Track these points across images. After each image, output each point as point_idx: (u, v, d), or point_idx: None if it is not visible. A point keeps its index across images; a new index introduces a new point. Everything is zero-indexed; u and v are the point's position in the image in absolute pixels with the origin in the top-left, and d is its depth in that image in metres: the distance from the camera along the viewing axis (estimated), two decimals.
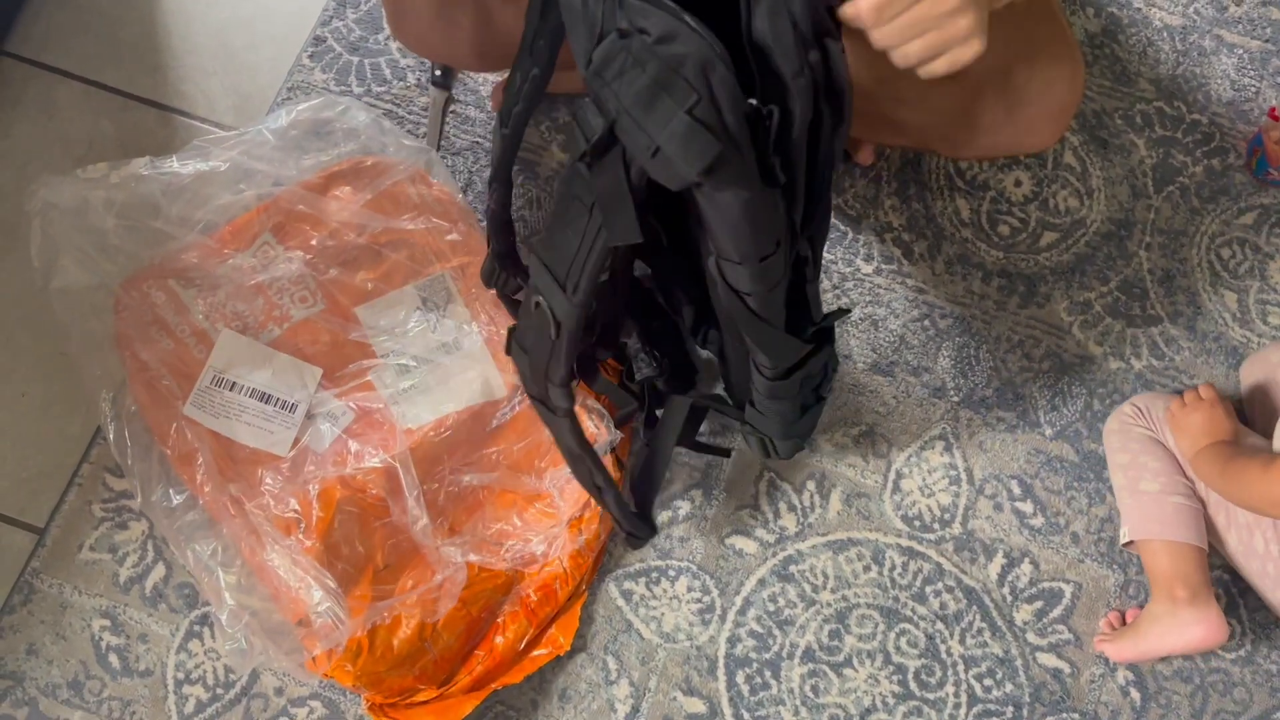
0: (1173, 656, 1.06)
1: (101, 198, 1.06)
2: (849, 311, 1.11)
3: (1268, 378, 1.08)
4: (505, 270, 0.94)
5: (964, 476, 1.13)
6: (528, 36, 0.81)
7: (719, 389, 1.14)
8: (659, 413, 1.10)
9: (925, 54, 0.73)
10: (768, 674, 1.08)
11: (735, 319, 0.82)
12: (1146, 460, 1.04)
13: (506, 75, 1.20)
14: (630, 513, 1.02)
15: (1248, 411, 1.11)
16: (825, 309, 0.90)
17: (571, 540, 1.05)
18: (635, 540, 1.06)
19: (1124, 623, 1.07)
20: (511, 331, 0.91)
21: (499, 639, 1.05)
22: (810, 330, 0.86)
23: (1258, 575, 1.01)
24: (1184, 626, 0.99)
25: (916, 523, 1.11)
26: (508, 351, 0.92)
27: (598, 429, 1.06)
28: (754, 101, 0.67)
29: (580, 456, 0.95)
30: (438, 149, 1.20)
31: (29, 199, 1.06)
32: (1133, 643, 1.03)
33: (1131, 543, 1.05)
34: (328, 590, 1.00)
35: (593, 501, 1.06)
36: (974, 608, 1.09)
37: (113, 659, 1.08)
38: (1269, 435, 1.08)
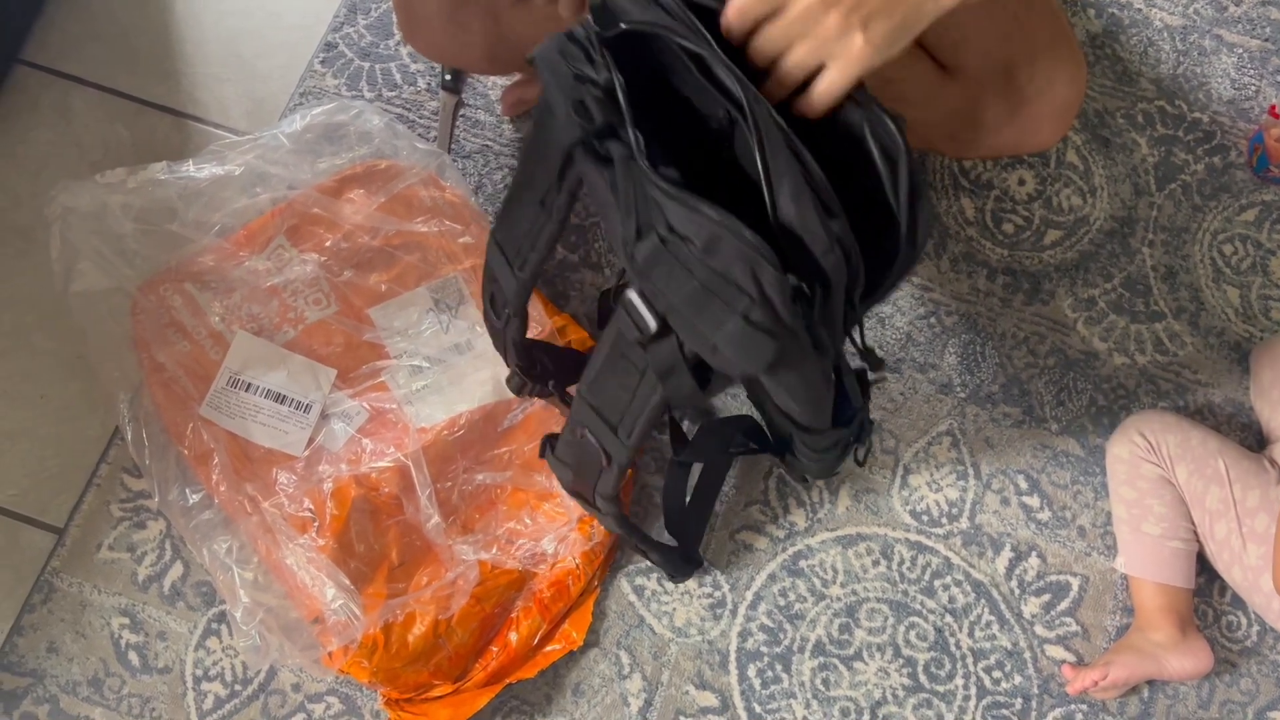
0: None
1: (120, 202, 1.08)
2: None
3: (1274, 370, 1.10)
4: (533, 380, 0.94)
5: (971, 471, 1.14)
6: (539, 188, 0.77)
7: (732, 390, 1.16)
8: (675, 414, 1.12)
9: (807, 60, 0.70)
10: (779, 667, 1.09)
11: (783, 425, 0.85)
12: (1152, 504, 1.05)
13: (517, 78, 1.22)
14: (675, 560, 1.05)
15: (1255, 402, 1.13)
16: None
17: (583, 541, 1.07)
18: (678, 579, 1.09)
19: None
20: (548, 443, 0.91)
21: (513, 634, 1.07)
22: (850, 413, 0.87)
23: (1262, 609, 1.04)
24: (1178, 658, 1.03)
25: (924, 517, 1.13)
26: (541, 455, 0.92)
27: None
28: (794, 279, 0.66)
29: (624, 536, 0.99)
30: (449, 152, 1.21)
31: (49, 204, 1.07)
32: (1123, 675, 1.03)
33: None
34: (342, 588, 1.02)
35: None
36: (982, 601, 1.10)
37: (132, 656, 1.10)
38: (1274, 426, 1.09)
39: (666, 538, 1.12)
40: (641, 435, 0.79)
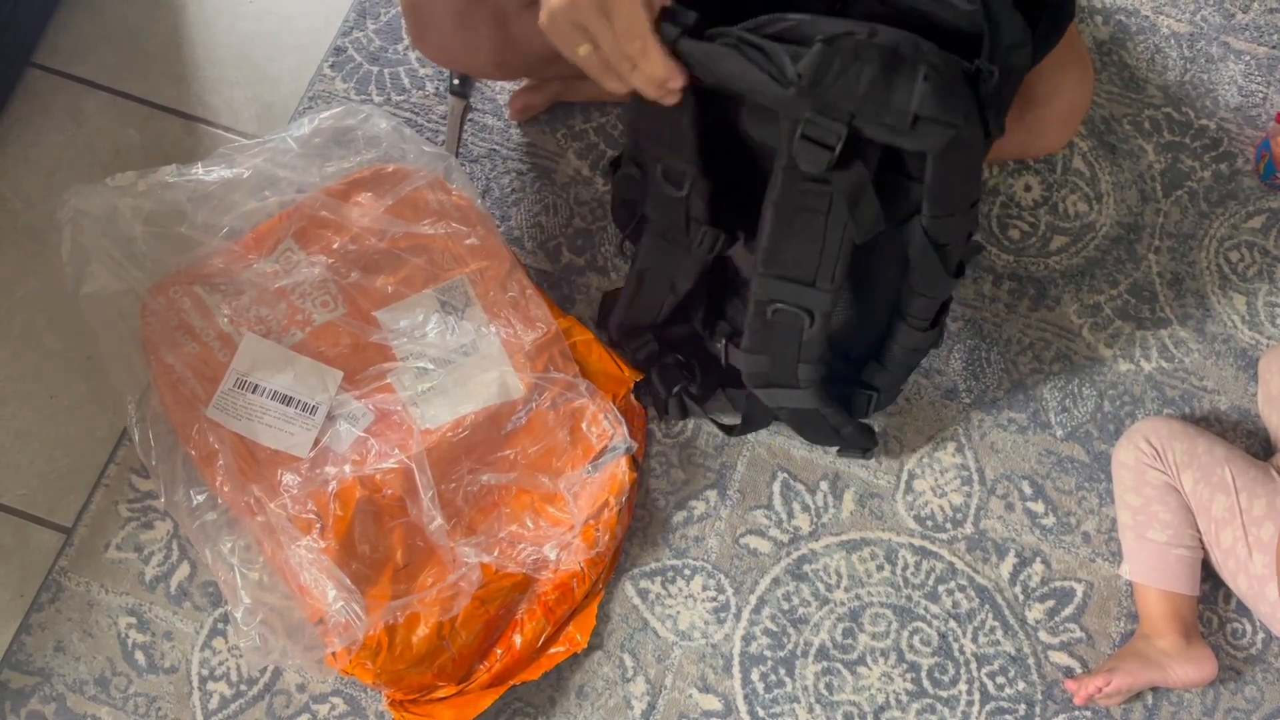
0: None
1: (130, 205, 1.08)
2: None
3: None
4: (724, 230, 0.97)
5: (976, 477, 1.14)
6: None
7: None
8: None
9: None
10: (782, 672, 1.09)
11: (924, 275, 0.89)
12: (1158, 510, 1.05)
13: (525, 84, 1.23)
14: (867, 431, 1.09)
15: (1263, 409, 1.12)
16: None
17: (586, 548, 1.07)
18: (869, 451, 1.11)
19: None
20: (728, 344, 0.99)
21: (517, 636, 1.07)
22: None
23: (1268, 617, 1.04)
24: (1181, 666, 1.03)
25: (929, 522, 1.13)
26: (726, 361, 0.99)
27: (614, 430, 1.08)
28: (976, 63, 0.74)
29: (820, 416, 1.02)
30: (456, 156, 1.22)
31: (60, 207, 1.08)
32: (1126, 682, 1.03)
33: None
34: (343, 588, 1.02)
35: (608, 507, 1.07)
36: (986, 606, 1.10)
37: (139, 656, 1.10)
38: None
39: (676, 539, 1.12)
40: (842, 273, 0.85)
